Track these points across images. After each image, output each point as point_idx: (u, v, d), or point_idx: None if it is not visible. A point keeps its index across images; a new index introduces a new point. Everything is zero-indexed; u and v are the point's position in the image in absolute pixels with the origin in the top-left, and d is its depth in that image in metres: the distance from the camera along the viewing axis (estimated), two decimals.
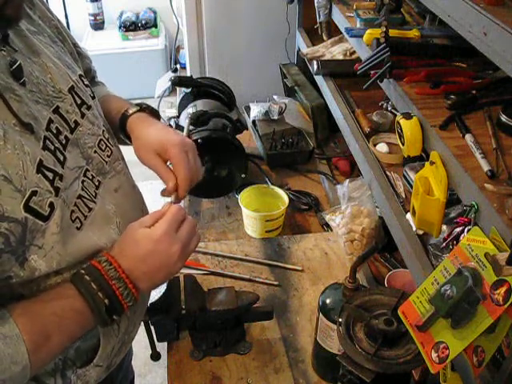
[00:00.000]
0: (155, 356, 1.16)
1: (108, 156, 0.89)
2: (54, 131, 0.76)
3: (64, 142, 0.78)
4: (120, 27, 4.09)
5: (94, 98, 0.90)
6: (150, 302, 1.07)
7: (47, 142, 0.74)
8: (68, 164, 0.77)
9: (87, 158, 0.83)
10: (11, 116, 0.69)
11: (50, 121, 0.76)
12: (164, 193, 0.91)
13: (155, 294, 1.11)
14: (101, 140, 0.87)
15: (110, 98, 1.07)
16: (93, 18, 4.17)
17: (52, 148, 0.74)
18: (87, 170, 0.82)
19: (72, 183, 0.77)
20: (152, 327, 1.11)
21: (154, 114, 1.02)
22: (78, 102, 0.84)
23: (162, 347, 1.16)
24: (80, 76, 0.88)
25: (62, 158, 0.76)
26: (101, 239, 0.81)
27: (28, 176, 0.69)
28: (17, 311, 0.71)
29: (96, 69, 1.12)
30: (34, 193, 0.69)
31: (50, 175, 0.72)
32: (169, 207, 0.83)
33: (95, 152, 0.85)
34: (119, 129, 0.98)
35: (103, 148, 0.88)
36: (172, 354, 1.17)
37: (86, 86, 0.89)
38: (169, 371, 1.14)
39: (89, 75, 1.06)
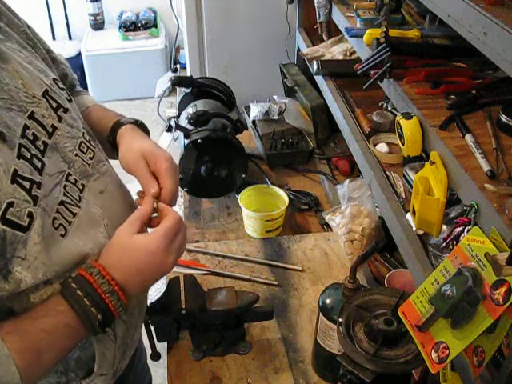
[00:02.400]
0: (155, 356, 1.16)
1: (90, 158, 0.86)
2: (31, 137, 0.74)
3: (42, 147, 0.76)
4: (120, 27, 4.09)
5: (70, 101, 0.88)
6: (150, 302, 1.07)
7: (22, 149, 0.71)
8: (47, 170, 0.75)
9: (68, 162, 0.81)
10: None
11: (26, 127, 0.74)
12: (139, 201, 0.89)
13: (155, 294, 1.10)
14: (81, 142, 0.85)
15: (101, 108, 1.06)
16: (93, 18, 4.17)
17: (28, 156, 0.72)
18: (69, 174, 0.80)
19: (52, 190, 0.75)
20: (152, 327, 1.11)
21: (146, 131, 1.01)
22: (54, 105, 0.81)
23: (162, 347, 1.16)
24: (54, 80, 0.86)
25: (39, 165, 0.74)
26: (87, 245, 0.79)
27: (2, 188, 0.67)
28: (5, 330, 0.69)
29: (75, 76, 1.10)
30: (11, 204, 0.67)
31: (27, 184, 0.70)
32: (152, 207, 0.83)
33: (76, 155, 0.83)
34: (109, 134, 0.97)
35: (84, 150, 0.85)
36: (172, 354, 1.17)
37: (62, 89, 0.86)
38: (169, 371, 1.14)
39: (66, 81, 1.02)
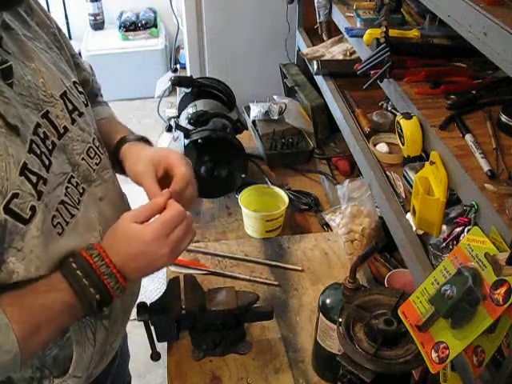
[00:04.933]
0: (155, 356, 1.16)
1: (96, 164, 0.88)
2: (41, 136, 0.76)
3: (50, 147, 0.77)
4: (120, 27, 4.09)
5: (87, 105, 0.89)
6: (150, 302, 1.07)
7: (33, 145, 0.73)
8: (53, 169, 0.77)
9: (74, 165, 0.82)
10: None
11: (38, 125, 0.75)
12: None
13: (155, 294, 1.10)
14: (90, 147, 0.87)
15: (114, 121, 1.07)
16: (93, 18, 4.17)
17: (38, 152, 0.74)
18: (72, 176, 0.82)
19: (55, 188, 0.77)
20: (152, 327, 1.11)
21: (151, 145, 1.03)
22: (70, 107, 0.83)
23: (162, 347, 1.16)
24: (74, 83, 0.87)
25: (47, 163, 0.76)
26: (81, 246, 0.80)
27: (10, 178, 0.68)
28: (6, 301, 0.71)
29: (100, 86, 1.11)
30: (16, 195, 0.69)
31: (34, 178, 0.72)
32: (165, 201, 0.83)
33: (83, 159, 0.84)
34: (113, 150, 0.98)
35: (92, 155, 0.87)
36: (172, 353, 1.17)
37: (80, 92, 0.88)
38: (169, 371, 1.14)
39: (86, 88, 1.03)
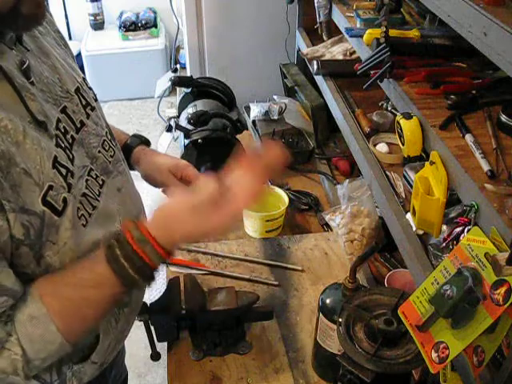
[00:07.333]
0: (155, 356, 1.16)
1: (111, 156, 0.90)
2: (62, 130, 0.78)
3: (70, 141, 0.80)
4: (120, 27, 4.08)
5: (96, 100, 0.92)
6: (150, 302, 1.07)
7: (58, 139, 0.76)
8: (75, 162, 0.79)
9: (92, 158, 0.84)
10: (27, 113, 0.71)
11: (59, 120, 0.78)
12: None
13: (155, 294, 1.10)
14: (104, 140, 0.89)
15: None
16: (93, 18, 4.17)
17: (63, 146, 0.76)
18: (91, 169, 0.84)
19: (78, 181, 0.79)
20: (152, 327, 1.11)
21: (148, 144, 1.11)
22: (84, 102, 0.86)
23: (161, 347, 1.16)
24: (83, 78, 0.90)
25: (71, 156, 0.78)
26: (105, 237, 0.82)
27: (45, 171, 0.70)
28: (47, 291, 0.72)
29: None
30: (51, 187, 0.71)
31: (64, 171, 0.74)
32: None
33: (99, 152, 0.87)
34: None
35: (107, 148, 0.89)
36: (172, 353, 1.17)
37: (89, 88, 0.91)
38: (169, 371, 1.14)
39: None
